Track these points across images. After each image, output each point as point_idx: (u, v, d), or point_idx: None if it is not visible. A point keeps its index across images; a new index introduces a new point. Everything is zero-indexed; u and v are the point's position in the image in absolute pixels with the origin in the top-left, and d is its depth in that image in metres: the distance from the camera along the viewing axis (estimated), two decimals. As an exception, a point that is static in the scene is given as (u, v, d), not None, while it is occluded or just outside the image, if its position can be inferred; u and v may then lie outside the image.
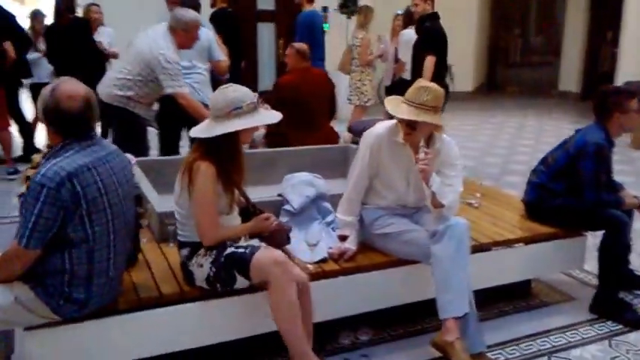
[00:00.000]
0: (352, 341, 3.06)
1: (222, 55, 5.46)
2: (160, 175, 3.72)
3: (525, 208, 3.65)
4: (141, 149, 4.53)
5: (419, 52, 5.99)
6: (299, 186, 3.42)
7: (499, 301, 3.53)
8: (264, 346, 2.87)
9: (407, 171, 3.02)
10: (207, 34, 5.19)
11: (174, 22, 4.27)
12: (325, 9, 9.87)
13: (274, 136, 5.05)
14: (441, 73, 5.44)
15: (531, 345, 3.13)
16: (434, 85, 2.93)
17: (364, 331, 3.08)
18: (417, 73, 5.85)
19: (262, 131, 5.08)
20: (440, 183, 2.88)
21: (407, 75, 7.22)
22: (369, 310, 3.04)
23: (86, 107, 2.29)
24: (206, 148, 2.57)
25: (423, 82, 2.96)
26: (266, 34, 10.07)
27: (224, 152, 2.57)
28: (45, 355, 2.48)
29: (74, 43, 5.77)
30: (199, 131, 2.62)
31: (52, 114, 2.26)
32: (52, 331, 2.45)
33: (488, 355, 2.93)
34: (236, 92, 2.57)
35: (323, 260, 2.98)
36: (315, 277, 2.86)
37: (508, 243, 3.36)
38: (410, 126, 2.89)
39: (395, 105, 2.95)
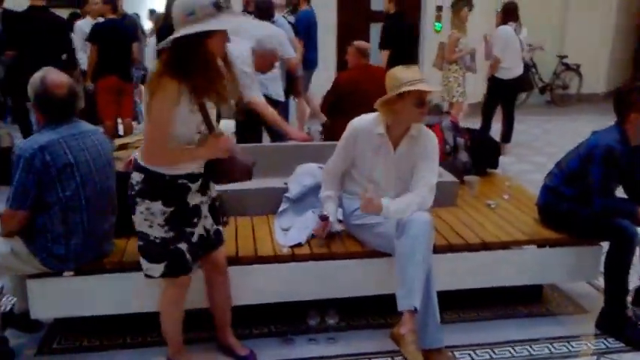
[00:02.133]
0: (319, 323, 3.17)
1: (292, 52, 5.74)
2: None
3: (538, 211, 3.51)
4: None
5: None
6: (301, 175, 3.59)
7: (501, 304, 3.46)
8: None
9: (386, 161, 3.08)
10: (279, 32, 5.48)
11: (256, 45, 4.62)
12: (439, 8, 9.78)
13: (332, 129, 5.22)
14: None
15: (507, 351, 3.06)
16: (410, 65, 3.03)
17: (332, 315, 3.17)
18: None
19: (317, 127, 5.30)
20: (388, 207, 2.89)
21: (502, 74, 7.02)
22: (337, 296, 3.16)
23: (70, 94, 2.73)
24: (168, 59, 2.38)
25: (400, 67, 3.01)
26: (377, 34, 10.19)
27: (187, 64, 2.34)
28: (43, 300, 2.94)
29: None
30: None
31: (43, 100, 2.70)
32: (49, 281, 2.90)
33: (453, 353, 2.94)
34: None
35: (298, 245, 3.13)
36: (285, 259, 3.05)
37: (500, 245, 3.26)
38: (424, 103, 2.96)
39: (410, 86, 2.91)
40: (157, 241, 2.55)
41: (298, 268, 3.06)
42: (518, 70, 7.05)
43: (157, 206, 2.50)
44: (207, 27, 2.31)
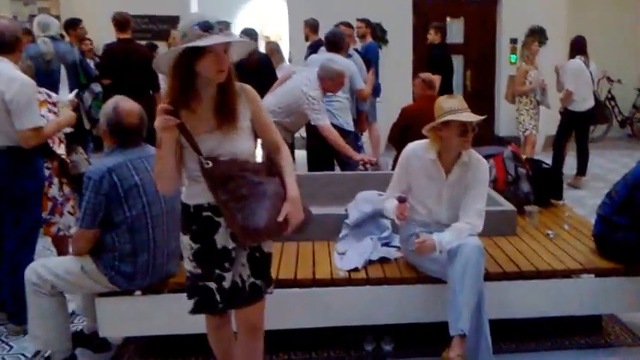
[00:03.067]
0: (375, 349, 3.24)
1: (362, 84, 5.94)
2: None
3: (594, 241, 3.51)
4: None
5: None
6: (360, 202, 3.75)
7: (560, 335, 3.46)
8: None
9: (438, 187, 3.20)
10: (350, 64, 5.70)
11: (322, 72, 4.91)
12: (513, 41, 9.80)
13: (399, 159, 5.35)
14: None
15: (560, 381, 3.06)
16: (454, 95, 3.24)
17: (387, 342, 3.24)
18: None
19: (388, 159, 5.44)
20: (441, 242, 2.99)
21: (574, 106, 6.97)
22: (392, 322, 3.22)
23: (140, 122, 2.96)
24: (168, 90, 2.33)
25: (445, 96, 3.22)
26: (455, 65, 10.29)
27: (181, 91, 2.28)
28: (111, 319, 3.10)
29: (259, 76, 6.65)
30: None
31: (115, 126, 2.93)
32: (117, 300, 3.05)
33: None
34: (186, 20, 2.29)
35: (355, 270, 3.26)
36: (342, 283, 3.19)
37: (553, 274, 3.28)
38: (468, 131, 3.09)
39: (452, 115, 3.08)
40: (188, 274, 2.50)
41: (354, 293, 3.17)
42: (590, 102, 6.99)
43: (186, 240, 2.45)
44: (188, 45, 2.20)
